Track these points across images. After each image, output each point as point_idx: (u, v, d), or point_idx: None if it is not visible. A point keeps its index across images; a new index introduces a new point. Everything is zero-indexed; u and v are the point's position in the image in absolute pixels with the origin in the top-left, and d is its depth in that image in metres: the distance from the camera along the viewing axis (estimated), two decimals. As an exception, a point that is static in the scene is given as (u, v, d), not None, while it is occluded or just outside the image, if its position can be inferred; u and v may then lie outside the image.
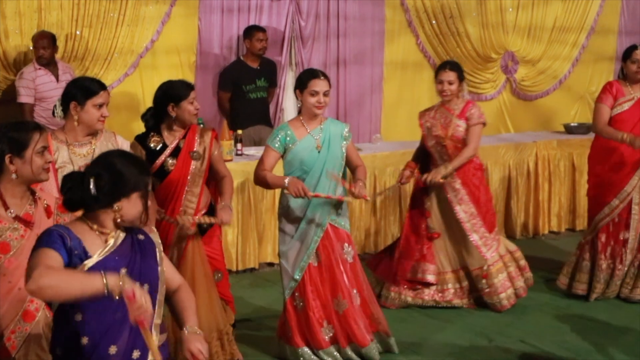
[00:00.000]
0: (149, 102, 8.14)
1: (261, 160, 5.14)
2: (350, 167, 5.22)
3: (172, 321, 3.57)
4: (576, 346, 5.62)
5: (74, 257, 2.90)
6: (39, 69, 7.19)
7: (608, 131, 6.25)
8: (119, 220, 2.99)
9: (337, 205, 5.13)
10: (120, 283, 2.73)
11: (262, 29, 8.13)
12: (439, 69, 6.14)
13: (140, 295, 2.73)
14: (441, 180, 6.04)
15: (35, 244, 2.92)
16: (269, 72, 8.27)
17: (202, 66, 8.22)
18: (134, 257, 3.03)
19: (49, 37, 7.20)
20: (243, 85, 8.07)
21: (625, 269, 6.41)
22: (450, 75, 6.05)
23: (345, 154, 5.14)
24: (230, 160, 6.95)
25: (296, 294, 5.14)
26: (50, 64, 7.23)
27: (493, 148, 8.20)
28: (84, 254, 2.93)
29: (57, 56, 7.44)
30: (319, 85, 4.99)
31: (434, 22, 9.17)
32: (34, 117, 7.22)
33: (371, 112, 9.13)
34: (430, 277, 6.26)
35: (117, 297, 2.74)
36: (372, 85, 9.12)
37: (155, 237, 3.19)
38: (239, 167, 6.96)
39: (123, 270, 2.83)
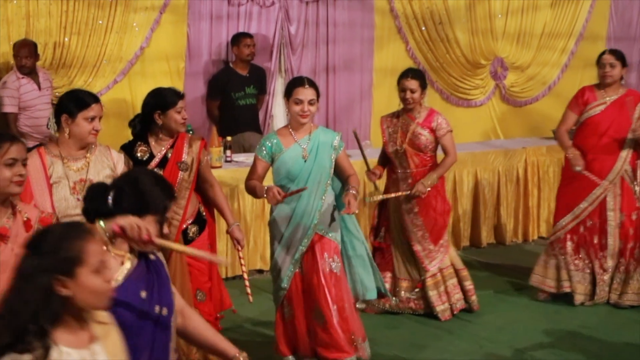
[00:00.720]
0: (138, 109, 8.08)
1: (250, 170, 5.10)
2: (342, 177, 5.13)
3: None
4: (566, 352, 5.62)
5: None
6: (22, 77, 7.14)
7: (561, 138, 6.52)
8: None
9: (326, 214, 5.05)
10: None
11: (249, 35, 8.13)
12: (401, 77, 6.07)
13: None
14: (427, 190, 6.03)
15: None
16: (258, 79, 8.27)
17: (191, 73, 8.21)
18: (152, 281, 2.92)
19: (30, 46, 7.16)
20: (232, 93, 8.07)
21: (610, 274, 6.44)
22: (412, 84, 5.99)
23: (333, 164, 5.06)
24: (220, 167, 6.94)
25: (285, 302, 5.09)
26: (31, 73, 7.19)
27: (482, 154, 8.21)
28: None
29: (46, 64, 7.43)
30: (304, 93, 4.92)
31: (423, 28, 9.19)
32: (18, 126, 7.18)
33: (361, 119, 9.14)
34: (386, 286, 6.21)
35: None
36: (361, 91, 9.13)
37: (162, 256, 3.10)
38: (228, 173, 6.95)
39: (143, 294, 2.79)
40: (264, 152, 5.03)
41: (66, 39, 7.56)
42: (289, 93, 4.99)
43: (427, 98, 6.26)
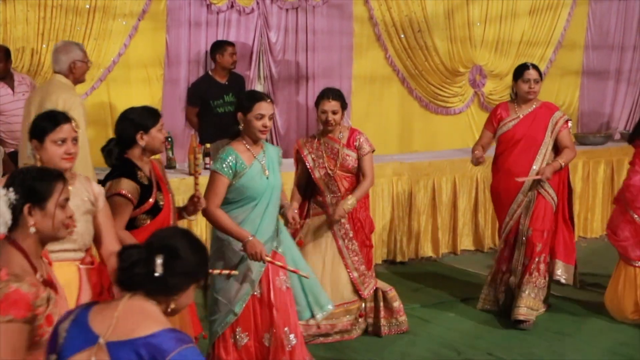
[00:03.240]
0: (115, 116, 8.08)
1: (214, 193, 4.65)
2: None
3: None
4: (543, 358, 5.64)
5: None
6: None
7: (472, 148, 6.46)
8: (169, 311, 2.63)
9: (277, 231, 4.88)
10: None
11: (232, 44, 8.11)
12: (321, 99, 5.86)
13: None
14: (346, 215, 5.84)
15: None
16: (237, 87, 8.24)
17: (169, 80, 8.18)
18: None
19: (3, 51, 7.08)
20: (211, 101, 8.03)
21: (507, 288, 6.40)
22: (334, 105, 5.78)
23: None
24: (199, 174, 6.89)
25: (237, 330, 4.76)
26: (5, 77, 7.11)
27: (461, 162, 8.23)
28: None
29: (23, 71, 7.37)
30: (265, 108, 4.67)
31: (402, 36, 9.21)
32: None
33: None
34: None
35: None
36: (340, 99, 9.12)
37: None
38: (207, 180, 6.90)
39: None
40: (227, 168, 4.66)
41: (44, 46, 7.51)
42: (247, 108, 4.69)
43: (346, 117, 6.10)
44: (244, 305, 4.75)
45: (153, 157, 4.52)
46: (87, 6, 7.60)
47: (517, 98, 6.36)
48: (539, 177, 6.15)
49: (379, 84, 9.22)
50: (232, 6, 8.36)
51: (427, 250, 8.15)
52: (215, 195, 4.67)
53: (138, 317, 2.55)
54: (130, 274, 2.59)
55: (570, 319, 6.39)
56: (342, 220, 5.85)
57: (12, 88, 7.14)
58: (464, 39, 9.54)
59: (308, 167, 5.91)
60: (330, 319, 5.78)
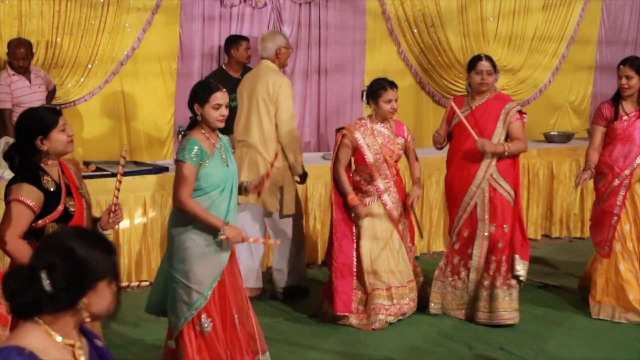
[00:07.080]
0: (129, 110, 8.15)
1: (185, 182, 4.58)
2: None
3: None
4: (555, 354, 5.65)
5: None
6: (13, 74, 7.16)
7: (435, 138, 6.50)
8: (87, 320, 2.32)
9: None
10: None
11: (246, 38, 8.13)
12: (384, 90, 5.97)
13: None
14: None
15: None
16: (251, 81, 8.26)
17: (183, 74, 8.22)
18: None
19: (27, 46, 7.17)
20: (224, 94, 8.05)
21: (470, 287, 6.21)
22: (396, 93, 6.02)
23: None
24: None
25: (203, 316, 4.69)
26: (25, 71, 7.21)
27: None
28: None
29: (38, 64, 7.42)
30: (221, 98, 4.72)
31: (415, 31, 9.21)
32: (13, 122, 7.18)
33: (351, 121, 9.10)
34: None
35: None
36: (353, 93, 9.14)
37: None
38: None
39: None
40: (194, 158, 4.60)
41: (58, 39, 7.55)
42: (204, 99, 4.70)
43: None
44: (211, 291, 4.73)
45: (65, 157, 4.17)
46: (102, 0, 7.64)
47: (472, 90, 6.23)
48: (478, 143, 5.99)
49: (392, 79, 9.17)
50: (245, 0, 8.37)
51: (439, 245, 8.17)
52: (186, 185, 4.60)
53: None
54: (20, 304, 2.27)
55: (582, 314, 6.39)
56: (395, 201, 6.14)
57: (30, 81, 7.22)
58: (477, 34, 9.54)
59: (362, 151, 6.05)
60: (399, 298, 6.12)
